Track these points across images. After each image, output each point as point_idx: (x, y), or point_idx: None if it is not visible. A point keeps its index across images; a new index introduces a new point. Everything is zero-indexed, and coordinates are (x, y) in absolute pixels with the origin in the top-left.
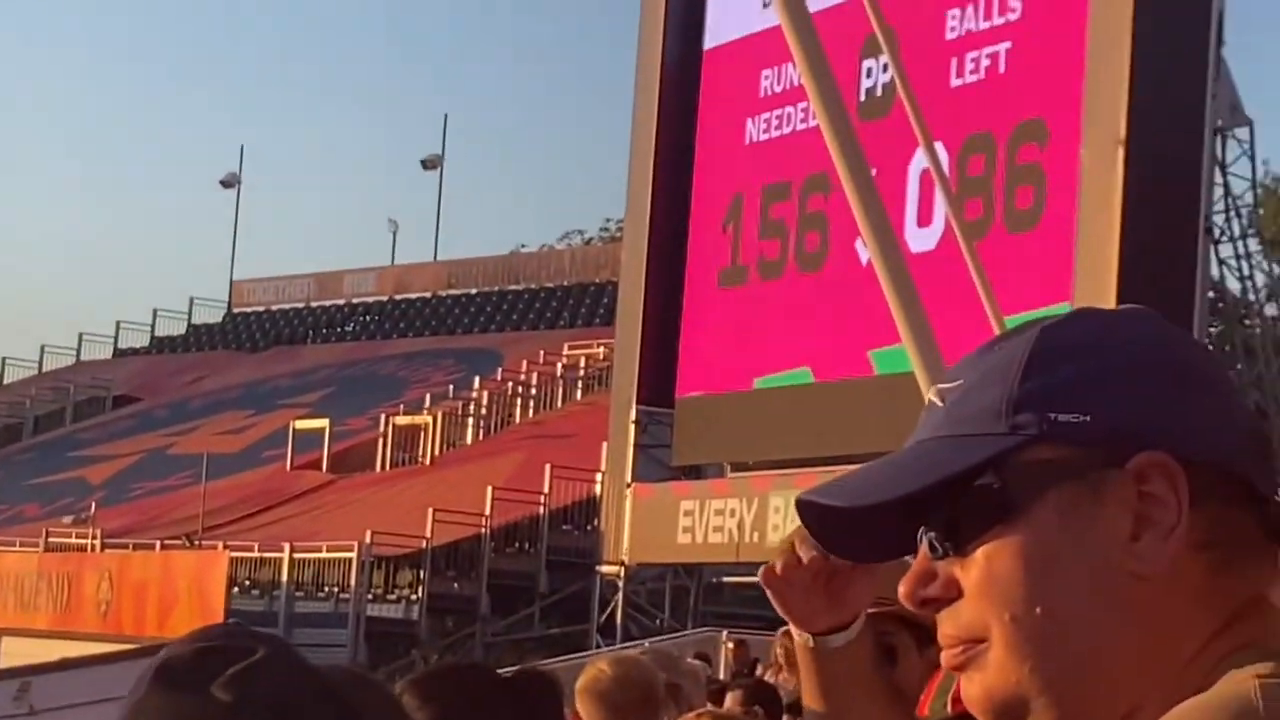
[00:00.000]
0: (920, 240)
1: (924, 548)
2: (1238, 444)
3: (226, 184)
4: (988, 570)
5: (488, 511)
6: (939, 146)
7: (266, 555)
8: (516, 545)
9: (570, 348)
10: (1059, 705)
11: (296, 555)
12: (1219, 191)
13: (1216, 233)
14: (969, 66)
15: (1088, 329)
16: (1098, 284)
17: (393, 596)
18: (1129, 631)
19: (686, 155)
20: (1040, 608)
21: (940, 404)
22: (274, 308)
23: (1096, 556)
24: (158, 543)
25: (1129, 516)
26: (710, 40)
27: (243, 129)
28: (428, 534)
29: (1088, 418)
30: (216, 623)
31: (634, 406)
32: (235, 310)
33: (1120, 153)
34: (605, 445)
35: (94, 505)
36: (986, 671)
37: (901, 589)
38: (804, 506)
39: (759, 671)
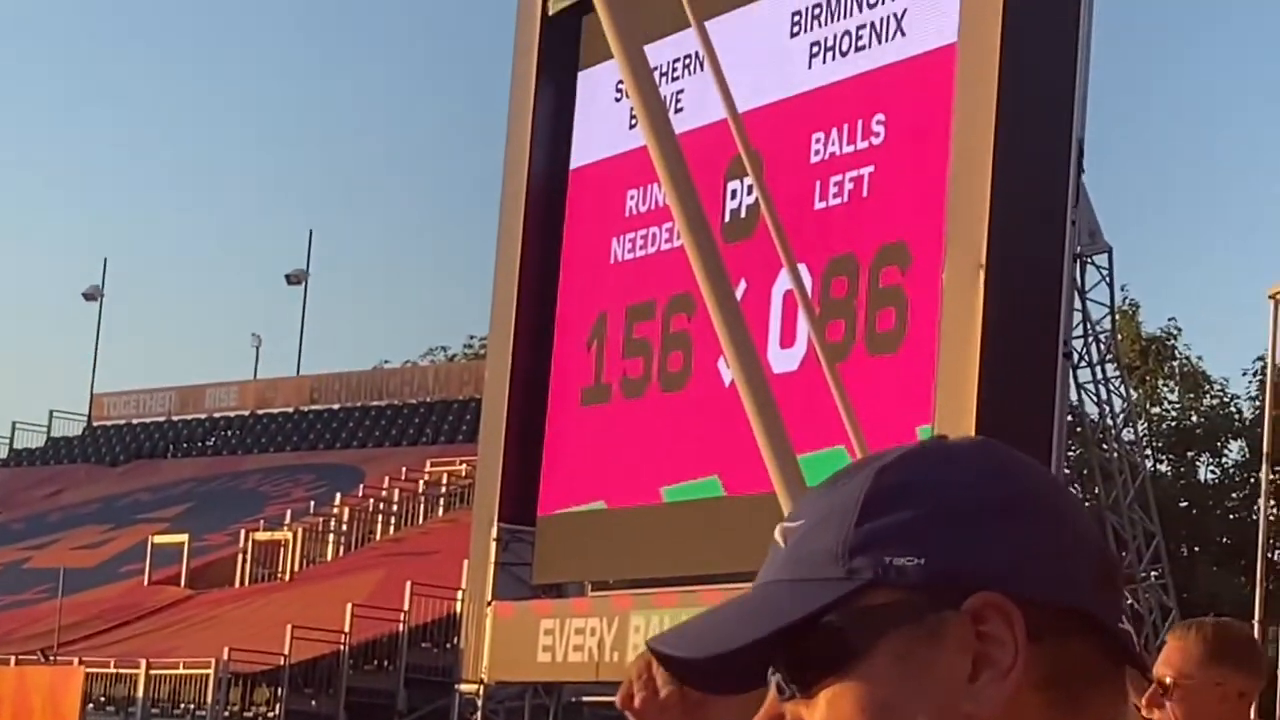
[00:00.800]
0: (783, 361)
1: (773, 688)
2: (1079, 576)
3: (89, 296)
4: (829, 715)
5: (347, 628)
6: (802, 268)
7: (123, 671)
8: (375, 662)
9: (433, 464)
10: None
11: (153, 672)
12: (1078, 317)
13: (1075, 357)
14: (833, 190)
15: (924, 466)
16: (958, 407)
17: (250, 714)
18: None
19: (551, 273)
20: None
21: (782, 545)
22: (134, 421)
23: (935, 700)
24: (12, 657)
25: (968, 658)
26: (577, 159)
27: (105, 242)
28: (286, 651)
29: (922, 560)
30: None
31: (495, 524)
32: (95, 424)
33: (981, 277)
34: (466, 563)
35: None
36: None
37: None
38: (655, 652)
39: None
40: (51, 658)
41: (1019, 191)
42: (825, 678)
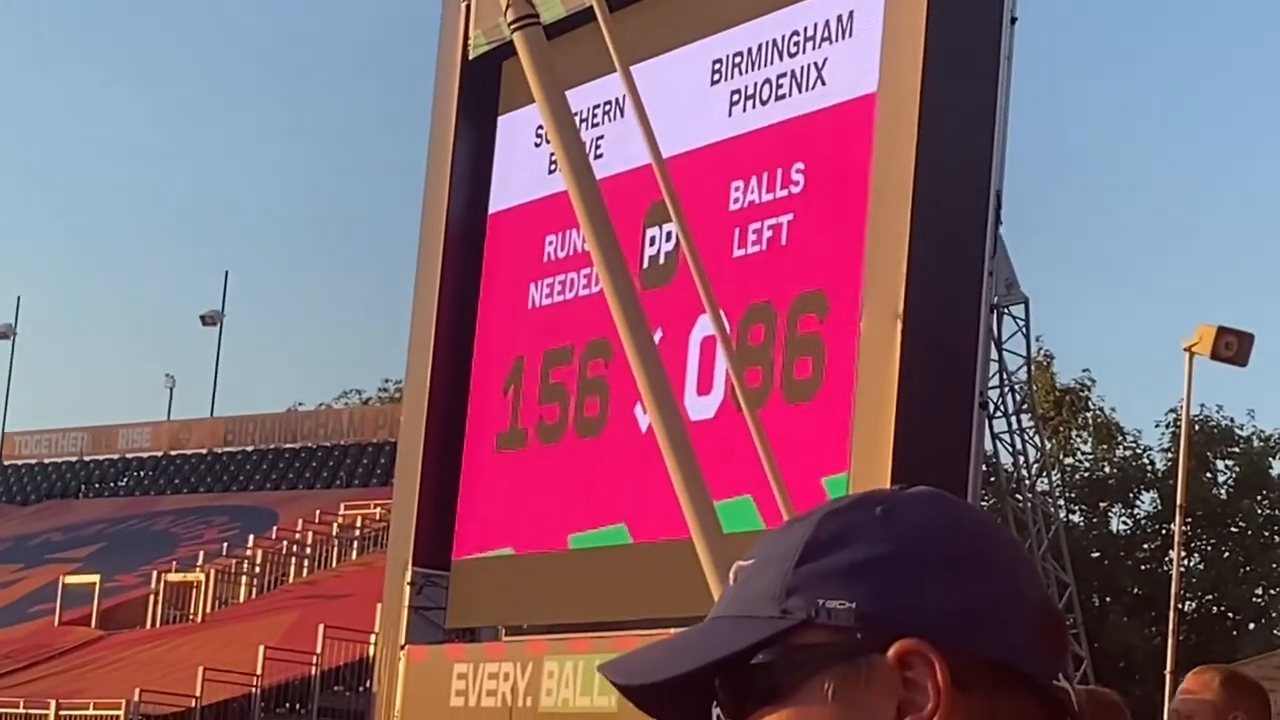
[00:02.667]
0: (700, 408)
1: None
2: (1014, 631)
3: (1, 334)
4: None
5: (259, 671)
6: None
7: (32, 712)
8: (288, 705)
9: (346, 507)
10: None
11: (63, 713)
12: (994, 367)
13: (991, 407)
14: (751, 237)
15: (868, 515)
16: (873, 455)
17: None
18: None
19: (469, 317)
20: None
21: (731, 583)
22: (46, 460)
23: None
24: None
25: (893, 702)
26: (496, 203)
27: (18, 280)
28: (197, 693)
29: (853, 604)
30: None
31: (410, 568)
32: (6, 462)
33: (898, 326)
34: (380, 606)
35: None
36: None
37: None
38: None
39: None
40: None
41: (937, 241)
42: (759, 712)
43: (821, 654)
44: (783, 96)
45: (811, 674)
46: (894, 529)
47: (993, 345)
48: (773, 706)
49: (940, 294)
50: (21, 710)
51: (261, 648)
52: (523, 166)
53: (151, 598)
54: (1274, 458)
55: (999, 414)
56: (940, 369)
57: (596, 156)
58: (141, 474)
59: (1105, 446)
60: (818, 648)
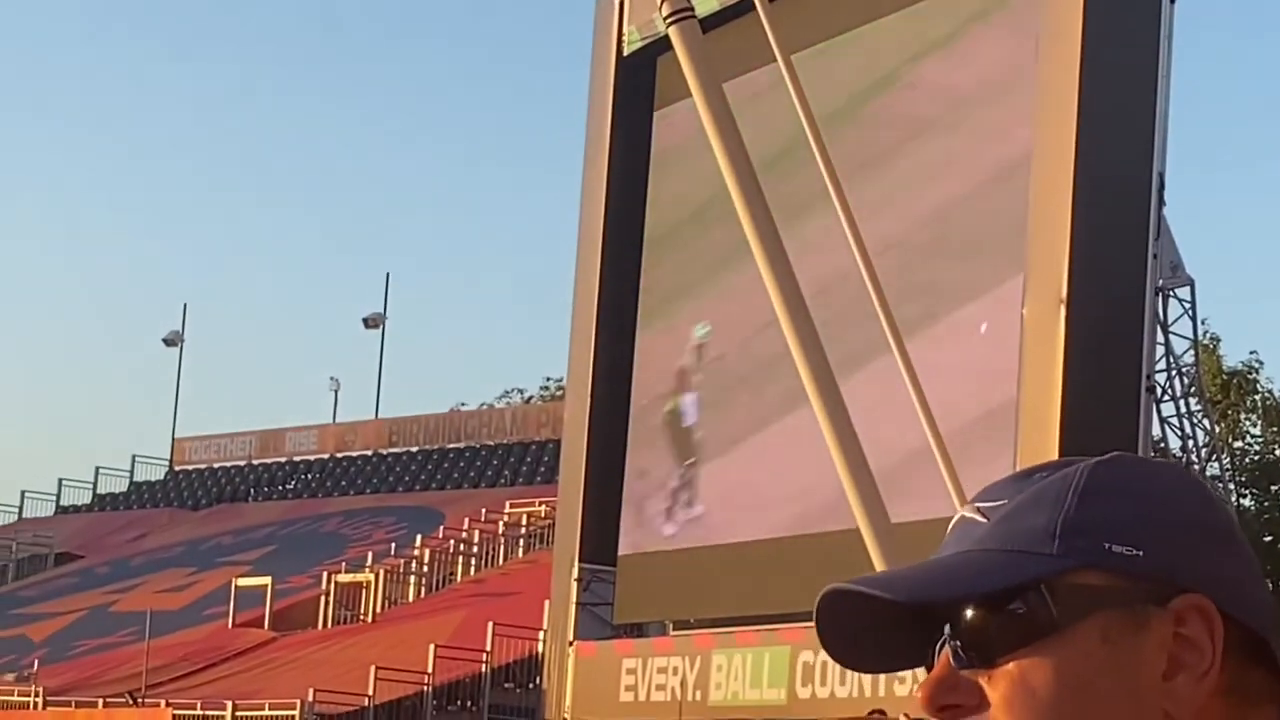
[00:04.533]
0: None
1: (946, 655)
2: (1264, 607)
3: (169, 342)
4: (1021, 685)
5: (430, 669)
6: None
7: (210, 713)
8: (459, 703)
9: (512, 505)
10: None
11: (240, 713)
12: (1160, 350)
13: (1158, 391)
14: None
15: (1136, 474)
16: (1041, 439)
17: None
18: None
19: (629, 312)
20: None
21: (983, 519)
22: (215, 465)
23: (1133, 688)
24: (100, 700)
25: (1164, 656)
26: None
27: (186, 286)
28: (370, 692)
29: (1140, 553)
30: None
31: (576, 564)
32: (177, 468)
33: (1062, 311)
34: (547, 603)
35: (36, 663)
36: None
37: (920, 694)
38: (833, 599)
39: None
40: (139, 700)
41: (1100, 224)
42: (1019, 648)
43: (1102, 596)
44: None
45: (1084, 616)
46: (1168, 489)
47: (1159, 328)
48: (1034, 646)
49: (1104, 277)
50: (199, 711)
51: (432, 646)
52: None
53: (322, 598)
54: None
55: (1166, 398)
56: (1106, 353)
57: None
58: (309, 476)
59: (1275, 429)
60: (1097, 590)
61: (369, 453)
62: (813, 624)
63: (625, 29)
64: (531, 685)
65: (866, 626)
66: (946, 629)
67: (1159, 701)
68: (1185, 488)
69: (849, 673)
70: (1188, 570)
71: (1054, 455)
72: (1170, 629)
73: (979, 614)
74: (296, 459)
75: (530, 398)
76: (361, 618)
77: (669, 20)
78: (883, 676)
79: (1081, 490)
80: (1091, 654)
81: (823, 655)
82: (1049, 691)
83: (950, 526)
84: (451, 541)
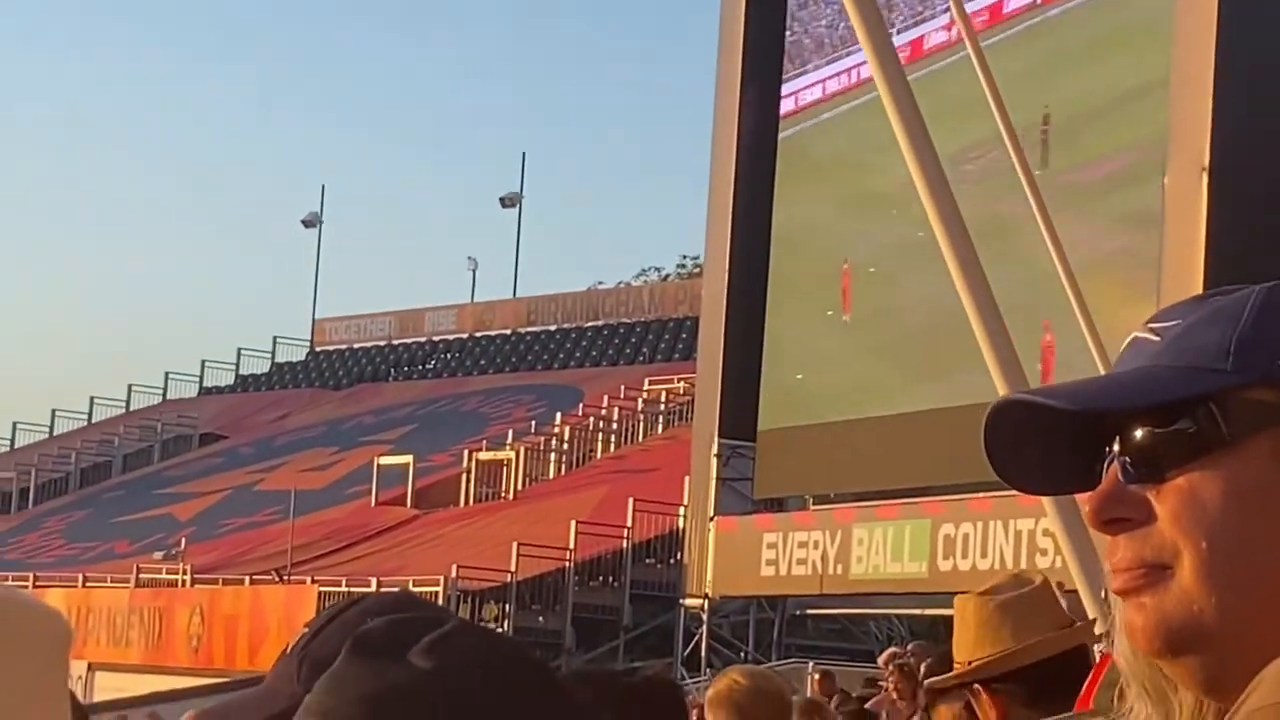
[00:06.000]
0: None
1: (1114, 470)
2: None
3: (308, 224)
4: (1191, 498)
5: (571, 545)
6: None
7: (355, 590)
8: (600, 579)
9: (650, 382)
10: (1237, 640)
11: (383, 590)
12: None
13: None
14: None
15: None
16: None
17: None
18: None
19: (765, 189)
20: (1241, 541)
21: (1156, 338)
22: (355, 346)
23: None
24: (247, 577)
25: None
26: (789, 80)
27: (323, 168)
28: (512, 568)
29: None
30: (387, 593)
31: (715, 440)
32: (318, 349)
33: (1204, 180)
34: (687, 479)
35: (183, 541)
36: (1165, 597)
37: (1087, 508)
38: (1006, 409)
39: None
40: (285, 577)
41: (1244, 91)
42: (1189, 462)
43: (1272, 413)
44: None
45: (1255, 432)
46: None
47: None
48: (1204, 460)
49: (1249, 146)
50: (344, 588)
51: (573, 523)
52: (815, 43)
53: (463, 476)
54: None
55: None
56: (1251, 225)
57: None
58: (448, 356)
59: None
60: (1269, 406)
61: (508, 331)
62: (954, 498)
63: None
64: (672, 561)
65: (1034, 442)
66: (1115, 444)
67: None
68: None
69: (990, 545)
70: None
71: None
72: None
73: (1149, 427)
74: (435, 339)
75: (667, 275)
76: (503, 495)
77: None
78: (1025, 550)
79: (1259, 308)
80: (1264, 468)
81: (964, 528)
82: (1218, 505)
83: (1124, 347)
84: (591, 419)
